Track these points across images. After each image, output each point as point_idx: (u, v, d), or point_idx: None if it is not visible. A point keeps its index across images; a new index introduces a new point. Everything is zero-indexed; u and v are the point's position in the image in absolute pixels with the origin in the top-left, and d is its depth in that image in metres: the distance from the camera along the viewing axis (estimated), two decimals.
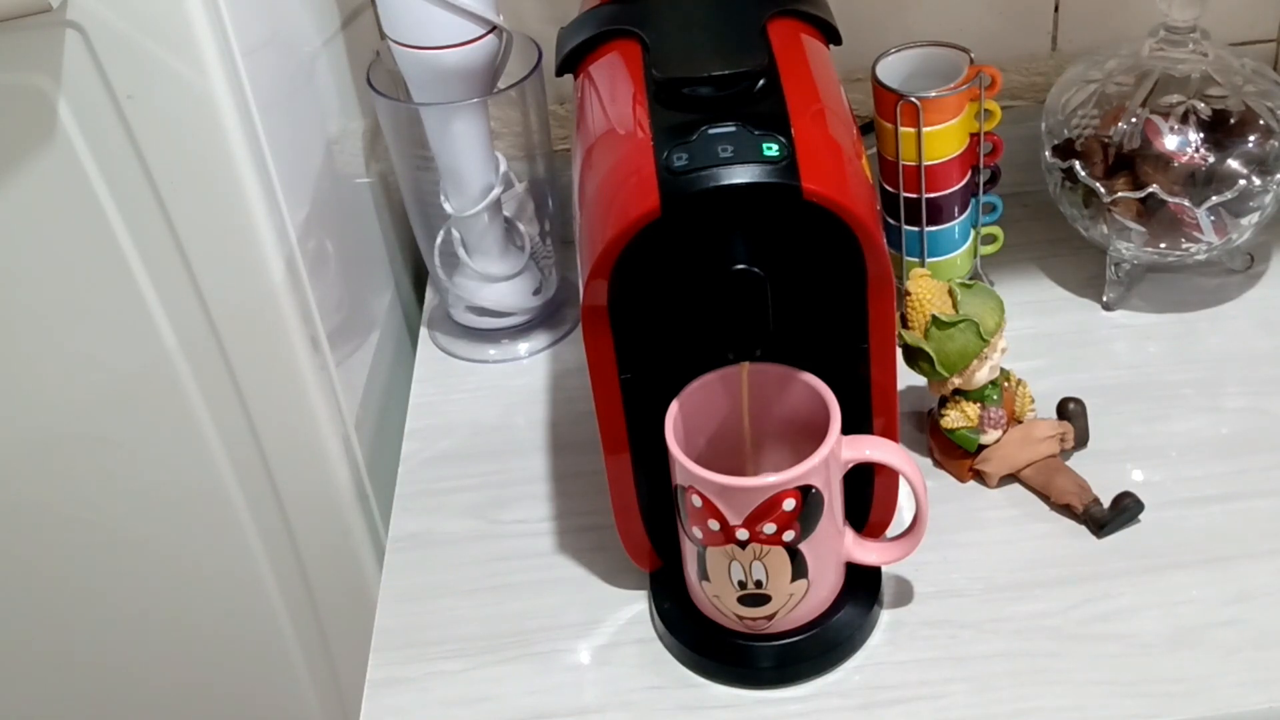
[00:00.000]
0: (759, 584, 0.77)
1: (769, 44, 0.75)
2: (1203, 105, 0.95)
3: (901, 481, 0.81)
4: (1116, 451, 0.90)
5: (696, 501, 0.74)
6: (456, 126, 0.95)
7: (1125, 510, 0.85)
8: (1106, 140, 0.98)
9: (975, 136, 0.97)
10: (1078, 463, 0.89)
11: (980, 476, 0.89)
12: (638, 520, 0.82)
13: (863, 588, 0.82)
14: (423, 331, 1.08)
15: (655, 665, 0.81)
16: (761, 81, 0.72)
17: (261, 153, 0.82)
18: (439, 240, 1.03)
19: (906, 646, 0.81)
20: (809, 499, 0.74)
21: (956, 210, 0.99)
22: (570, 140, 0.88)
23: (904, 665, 0.80)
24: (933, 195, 0.97)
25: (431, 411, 1.01)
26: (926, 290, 0.86)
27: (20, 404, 0.89)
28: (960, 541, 0.86)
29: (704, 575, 0.78)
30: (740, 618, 0.79)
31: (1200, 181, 0.95)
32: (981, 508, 0.88)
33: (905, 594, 0.83)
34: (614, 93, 0.77)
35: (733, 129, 0.69)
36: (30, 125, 0.77)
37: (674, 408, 0.76)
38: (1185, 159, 0.95)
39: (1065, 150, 0.99)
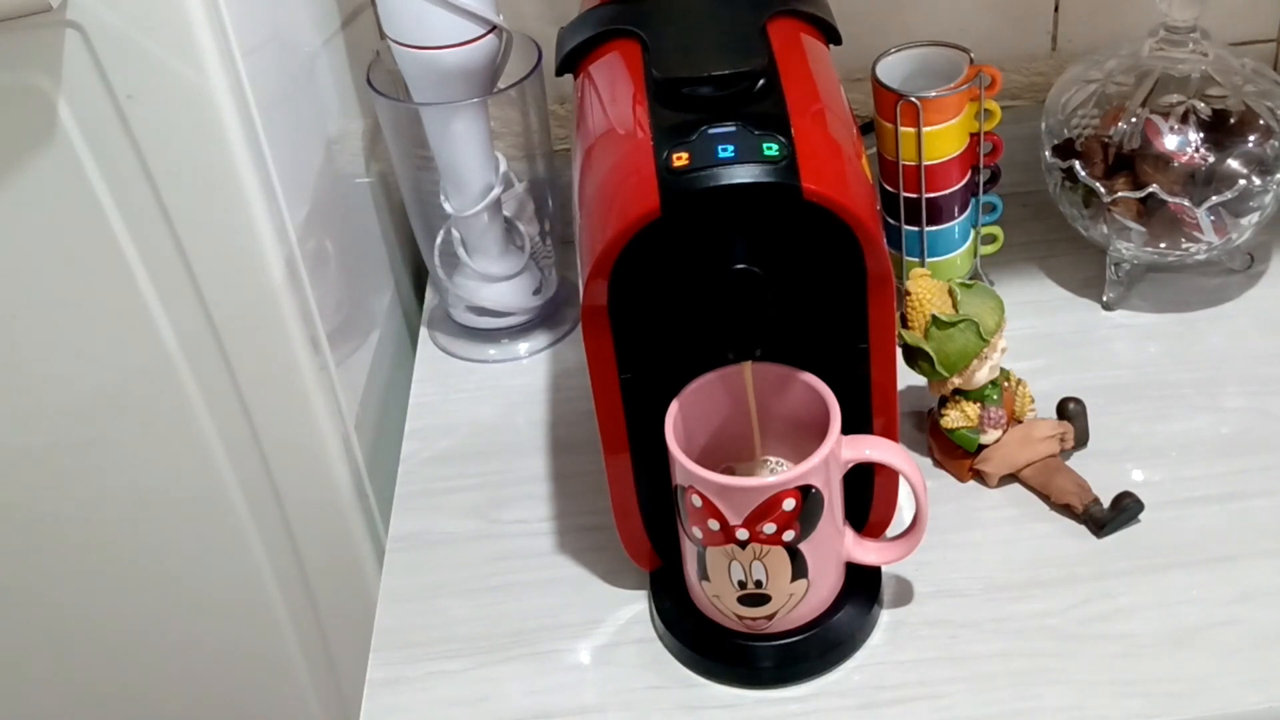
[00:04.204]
0: (759, 584, 0.77)
1: (769, 44, 0.75)
2: (1203, 105, 0.95)
3: (901, 481, 0.81)
4: (1116, 451, 0.90)
5: (696, 501, 0.74)
6: (456, 126, 0.95)
7: (1125, 510, 0.85)
8: (1106, 140, 0.98)
9: (975, 136, 0.97)
10: (1078, 463, 0.89)
11: (980, 476, 0.90)
12: (638, 520, 0.82)
13: (863, 588, 0.82)
14: (423, 331, 1.08)
15: (655, 665, 0.81)
16: (761, 81, 0.72)
17: (261, 153, 0.82)
18: (439, 240, 1.03)
19: (906, 646, 0.81)
20: (809, 499, 0.74)
21: (956, 210, 0.99)
22: (570, 140, 0.88)
23: (904, 665, 0.80)
24: (933, 195, 0.97)
25: (431, 411, 1.01)
26: (926, 290, 0.86)
27: (20, 404, 0.89)
28: (960, 541, 0.86)
29: (704, 575, 0.78)
30: (740, 618, 0.79)
31: (1200, 181, 0.95)
32: (981, 508, 0.88)
33: (905, 594, 0.83)
34: (614, 93, 0.77)
35: (733, 129, 0.69)
36: (30, 125, 0.77)
37: (674, 408, 0.76)
38: (1185, 159, 0.95)
39: (1065, 150, 0.99)
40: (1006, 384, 0.89)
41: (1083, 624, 0.80)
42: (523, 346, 1.05)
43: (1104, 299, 1.02)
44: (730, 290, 0.70)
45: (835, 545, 0.79)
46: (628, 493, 0.81)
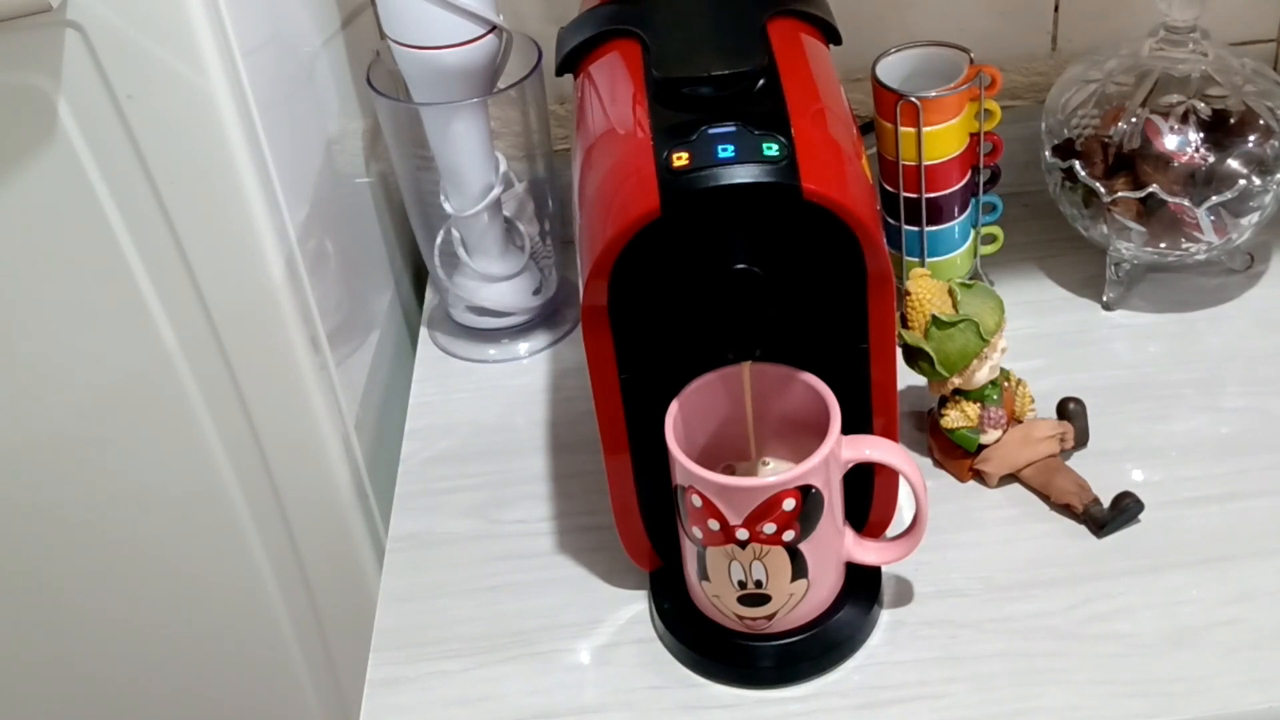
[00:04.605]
0: (759, 584, 0.77)
1: (769, 44, 0.75)
2: (1203, 105, 0.95)
3: (901, 481, 0.81)
4: (1116, 451, 0.90)
5: (696, 501, 0.74)
6: (456, 126, 0.95)
7: (1125, 510, 0.85)
8: (1106, 140, 0.98)
9: (975, 136, 0.97)
10: (1078, 463, 0.89)
11: (980, 476, 0.89)
12: (638, 520, 0.82)
13: (863, 588, 0.82)
14: (423, 331, 1.08)
15: (655, 665, 0.81)
16: (761, 81, 0.72)
17: (261, 153, 0.82)
18: (439, 240, 1.03)
19: (906, 646, 0.81)
20: (809, 499, 0.74)
21: (956, 210, 0.99)
22: (570, 140, 0.88)
23: (904, 665, 0.80)
24: (933, 195, 0.97)
25: (431, 411, 1.01)
26: (926, 290, 0.86)
27: (20, 404, 0.89)
28: (960, 541, 0.86)
29: (704, 575, 0.78)
30: (740, 618, 0.79)
31: (1200, 181, 0.95)
32: (981, 508, 0.88)
33: (905, 594, 0.83)
34: (614, 93, 0.77)
35: (733, 129, 0.69)
36: (30, 125, 0.77)
37: (674, 408, 0.76)
38: (1185, 159, 0.95)
39: (1065, 150, 0.99)
40: (1006, 384, 0.89)
41: (1083, 624, 0.80)
42: (523, 346, 1.05)
43: (1104, 299, 1.02)
44: (730, 290, 0.70)
45: (835, 545, 0.79)
46: (628, 493, 0.81)
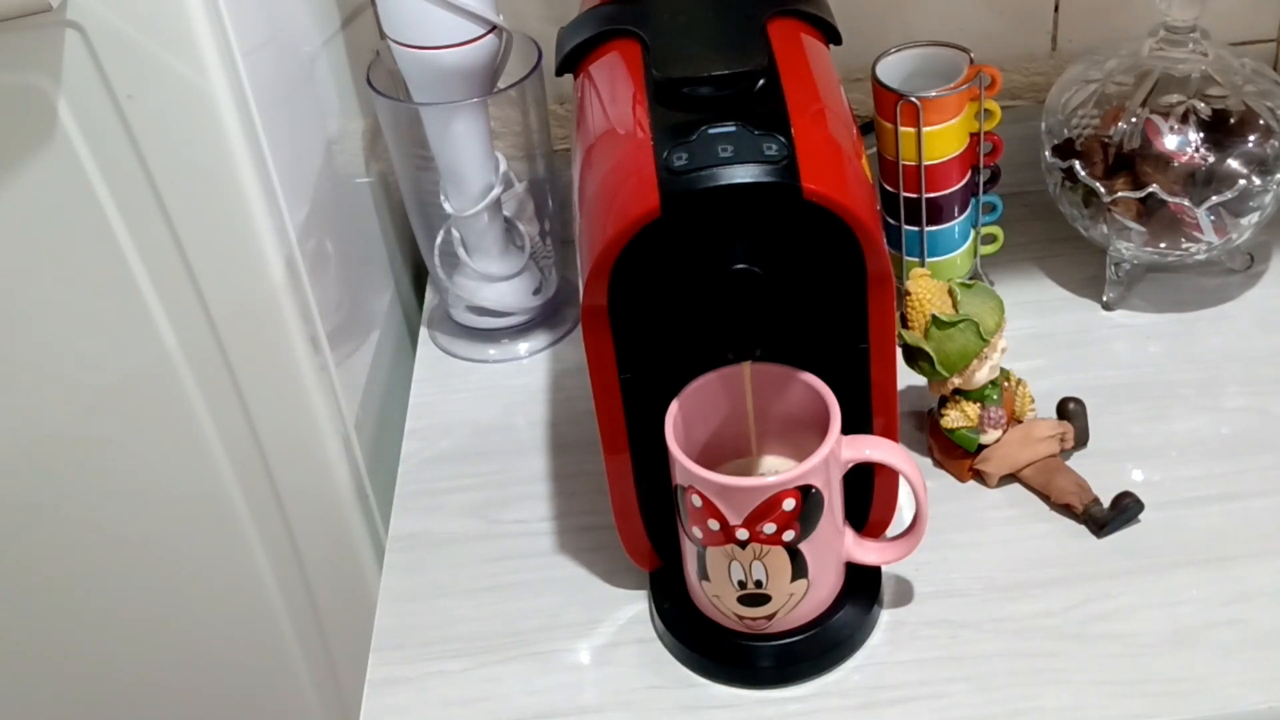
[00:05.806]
0: (759, 584, 0.77)
1: (769, 44, 0.75)
2: (1203, 105, 0.95)
3: (901, 481, 0.81)
4: (1116, 451, 0.90)
5: (696, 501, 0.74)
6: (456, 126, 0.95)
7: (1125, 510, 0.85)
8: (1106, 140, 0.98)
9: (975, 136, 0.97)
10: (1078, 463, 0.89)
11: (980, 476, 0.90)
12: (638, 520, 0.82)
13: (863, 588, 0.82)
14: (423, 331, 1.08)
15: (655, 665, 0.81)
16: (761, 81, 0.72)
17: (261, 153, 0.82)
18: (439, 240, 1.03)
19: (906, 646, 0.81)
20: (809, 499, 0.74)
21: (956, 210, 0.99)
22: (570, 140, 0.88)
23: (904, 665, 0.80)
24: (933, 195, 0.97)
25: (431, 411, 1.01)
26: (926, 290, 0.86)
27: (20, 404, 0.89)
28: (960, 541, 0.86)
29: (704, 575, 0.78)
30: (740, 618, 0.79)
31: (1200, 181, 0.95)
32: (981, 508, 0.88)
33: (905, 594, 0.83)
34: (614, 93, 0.77)
35: (733, 129, 0.69)
36: (30, 125, 0.77)
37: (674, 408, 0.76)
38: (1185, 159, 0.95)
39: (1065, 150, 0.99)
40: (1006, 384, 0.89)
41: (1083, 624, 0.80)
42: (523, 346, 1.05)
43: (1104, 299, 1.02)
44: (730, 290, 0.70)
45: (835, 545, 0.79)
46: (628, 493, 0.81)
